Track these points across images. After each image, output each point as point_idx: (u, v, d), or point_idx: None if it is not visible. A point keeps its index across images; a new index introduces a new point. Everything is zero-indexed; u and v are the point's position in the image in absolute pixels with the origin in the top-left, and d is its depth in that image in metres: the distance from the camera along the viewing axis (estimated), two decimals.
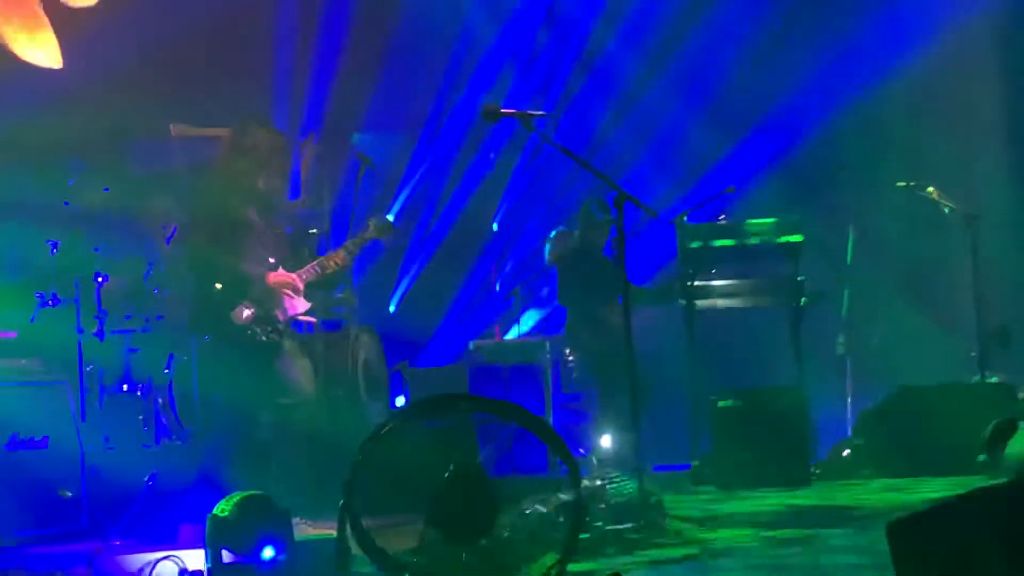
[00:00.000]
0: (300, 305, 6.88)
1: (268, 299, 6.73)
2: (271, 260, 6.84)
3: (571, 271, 9.29)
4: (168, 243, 8.07)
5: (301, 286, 6.89)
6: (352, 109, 10.86)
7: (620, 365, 6.35)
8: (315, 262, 7.04)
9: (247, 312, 6.58)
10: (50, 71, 9.49)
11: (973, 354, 9.27)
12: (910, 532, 4.11)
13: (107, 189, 7.99)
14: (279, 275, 6.83)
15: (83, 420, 7.09)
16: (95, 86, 9.16)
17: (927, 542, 4.03)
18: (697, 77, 11.82)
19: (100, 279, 7.49)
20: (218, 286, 6.62)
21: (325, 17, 11.09)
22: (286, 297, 6.80)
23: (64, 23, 9.54)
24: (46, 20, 9.46)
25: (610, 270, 8.16)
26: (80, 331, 7.38)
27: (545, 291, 11.45)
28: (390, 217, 7.42)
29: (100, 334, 7.56)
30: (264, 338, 6.68)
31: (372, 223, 7.17)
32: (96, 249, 7.59)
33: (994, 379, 9.13)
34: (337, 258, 7.03)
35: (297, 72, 11.00)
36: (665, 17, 11.84)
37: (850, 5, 11.40)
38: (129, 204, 8.22)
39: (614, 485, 6.60)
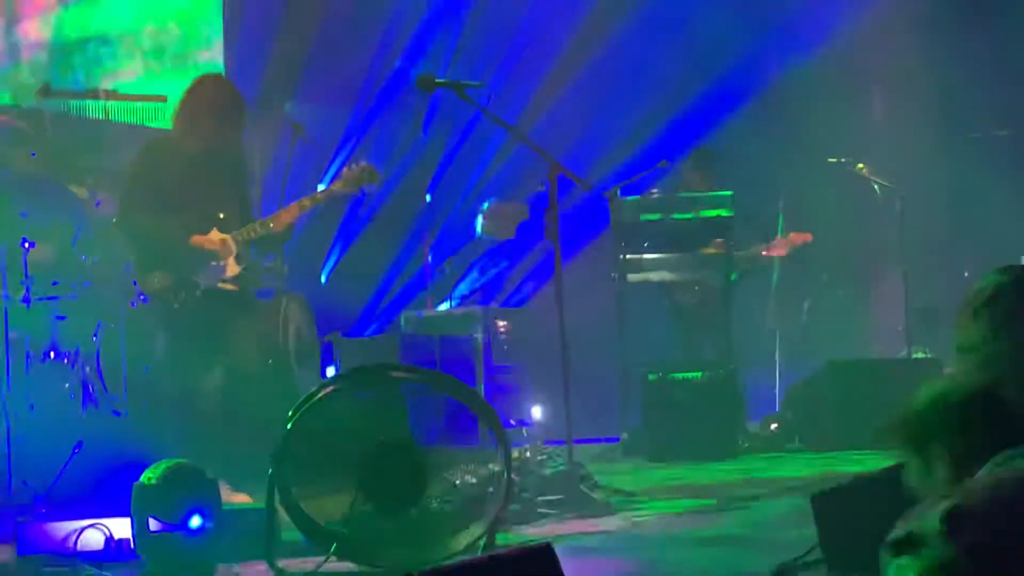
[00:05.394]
0: (228, 270, 6.72)
1: (189, 263, 6.61)
2: (221, 216, 6.66)
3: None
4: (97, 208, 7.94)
5: (234, 248, 6.68)
6: (285, 77, 10.77)
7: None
8: (261, 221, 6.78)
9: (158, 278, 6.50)
10: None
11: (900, 329, 9.38)
12: (833, 503, 4.17)
13: (34, 154, 7.86)
14: (203, 238, 6.64)
15: (8, 388, 7.00)
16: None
17: (850, 513, 4.09)
18: (631, 52, 11.82)
19: (27, 245, 7.37)
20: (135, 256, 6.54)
21: None
22: (211, 262, 6.66)
23: None
24: None
25: None
26: (6, 298, 7.27)
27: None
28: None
29: (27, 300, 7.42)
30: (176, 305, 6.59)
31: (344, 172, 6.81)
32: (22, 214, 7.46)
33: (921, 354, 9.25)
34: (288, 214, 6.73)
35: (229, 38, 10.87)
36: None
37: None
38: (57, 169, 8.10)
39: (544, 456, 6.63)
